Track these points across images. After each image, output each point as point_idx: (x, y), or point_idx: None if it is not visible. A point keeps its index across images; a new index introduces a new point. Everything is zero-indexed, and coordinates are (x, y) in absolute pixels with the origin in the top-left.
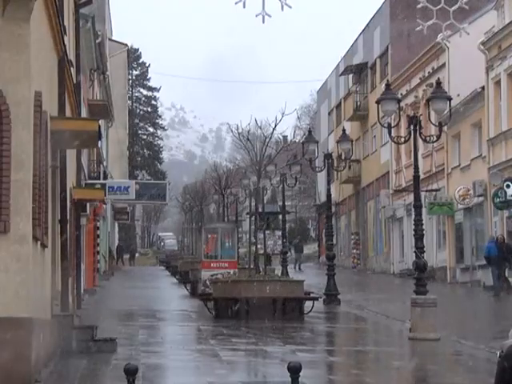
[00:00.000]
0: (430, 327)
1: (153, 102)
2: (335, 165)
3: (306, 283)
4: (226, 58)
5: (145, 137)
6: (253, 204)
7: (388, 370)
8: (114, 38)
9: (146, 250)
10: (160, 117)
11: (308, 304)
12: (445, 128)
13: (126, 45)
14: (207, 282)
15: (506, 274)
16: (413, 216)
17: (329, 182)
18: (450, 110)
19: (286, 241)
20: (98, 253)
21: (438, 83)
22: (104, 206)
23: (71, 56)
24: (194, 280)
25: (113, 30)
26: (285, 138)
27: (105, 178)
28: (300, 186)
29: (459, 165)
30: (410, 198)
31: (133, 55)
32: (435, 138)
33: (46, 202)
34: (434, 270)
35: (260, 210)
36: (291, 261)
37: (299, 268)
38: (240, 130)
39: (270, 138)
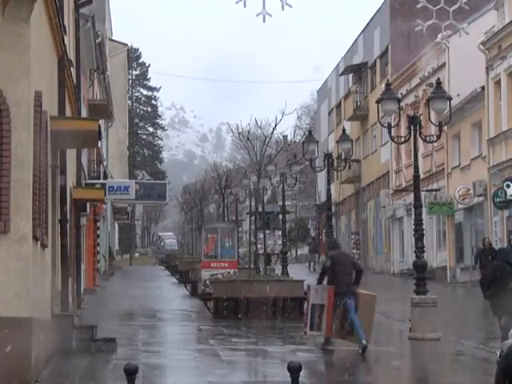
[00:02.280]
0: (430, 327)
1: (153, 101)
2: (335, 165)
3: (306, 283)
4: (226, 57)
5: (145, 137)
6: (253, 204)
7: (388, 369)
8: (114, 37)
9: (146, 249)
10: (160, 117)
11: None
12: (445, 128)
13: (126, 45)
14: (207, 282)
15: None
16: (413, 216)
17: (329, 182)
18: (450, 109)
19: (286, 240)
20: (98, 253)
21: (438, 83)
22: (104, 205)
23: (71, 56)
24: (194, 280)
25: (113, 30)
26: (285, 137)
27: (105, 177)
28: (300, 185)
29: (459, 165)
30: (410, 197)
31: (133, 55)
32: (435, 138)
33: (46, 202)
34: (434, 270)
35: (260, 209)
36: (291, 260)
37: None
38: (240, 130)
39: (270, 137)
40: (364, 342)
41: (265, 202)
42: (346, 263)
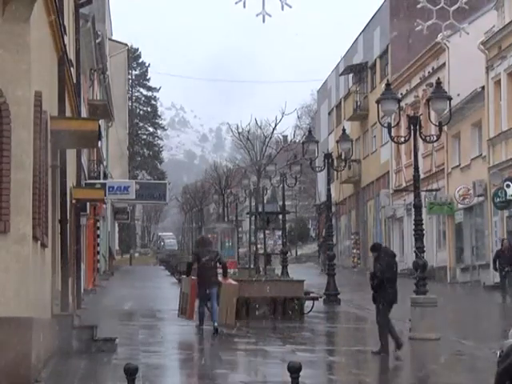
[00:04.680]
0: (430, 327)
1: (153, 101)
2: (335, 165)
3: (306, 283)
4: (226, 57)
5: (145, 137)
6: (253, 204)
7: (388, 369)
8: (114, 37)
9: (146, 249)
10: (160, 117)
11: (308, 304)
12: (445, 128)
13: (126, 45)
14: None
15: None
16: (413, 216)
17: (329, 182)
18: (450, 109)
19: (286, 240)
20: (98, 253)
21: (438, 83)
22: (104, 205)
23: (71, 56)
24: None
25: (113, 30)
26: (285, 137)
27: (105, 177)
28: (300, 185)
29: (459, 165)
30: (410, 197)
31: (133, 55)
32: (435, 138)
33: (46, 202)
34: (434, 269)
35: (260, 209)
36: (291, 260)
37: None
38: (240, 130)
39: (270, 137)
40: (215, 324)
41: (265, 201)
42: (209, 259)
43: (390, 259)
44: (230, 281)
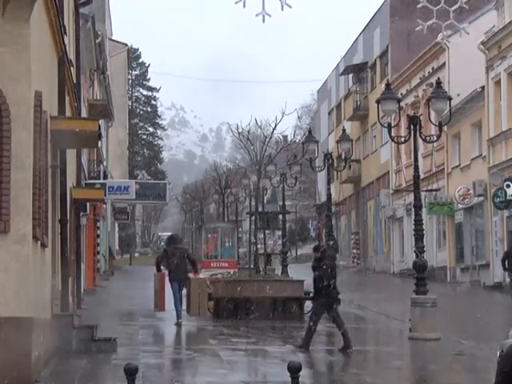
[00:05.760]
0: (430, 327)
1: (152, 101)
2: (335, 165)
3: (305, 283)
4: (226, 57)
5: (145, 137)
6: (253, 204)
7: (388, 369)
8: (114, 37)
9: (146, 249)
10: (160, 117)
11: (308, 304)
12: (445, 128)
13: (126, 45)
14: (207, 282)
15: None
16: (413, 216)
17: (329, 182)
18: (450, 109)
19: (286, 240)
20: (98, 253)
21: (438, 83)
22: (104, 205)
23: (71, 56)
24: None
25: (113, 30)
26: (285, 137)
27: (105, 177)
28: (300, 185)
29: (459, 165)
30: (410, 197)
31: (133, 55)
32: (435, 138)
33: (46, 202)
34: (434, 269)
35: (260, 209)
36: (291, 261)
37: None
38: (240, 130)
39: (270, 137)
40: (180, 320)
41: (265, 201)
42: (178, 255)
43: (332, 262)
44: (199, 276)
